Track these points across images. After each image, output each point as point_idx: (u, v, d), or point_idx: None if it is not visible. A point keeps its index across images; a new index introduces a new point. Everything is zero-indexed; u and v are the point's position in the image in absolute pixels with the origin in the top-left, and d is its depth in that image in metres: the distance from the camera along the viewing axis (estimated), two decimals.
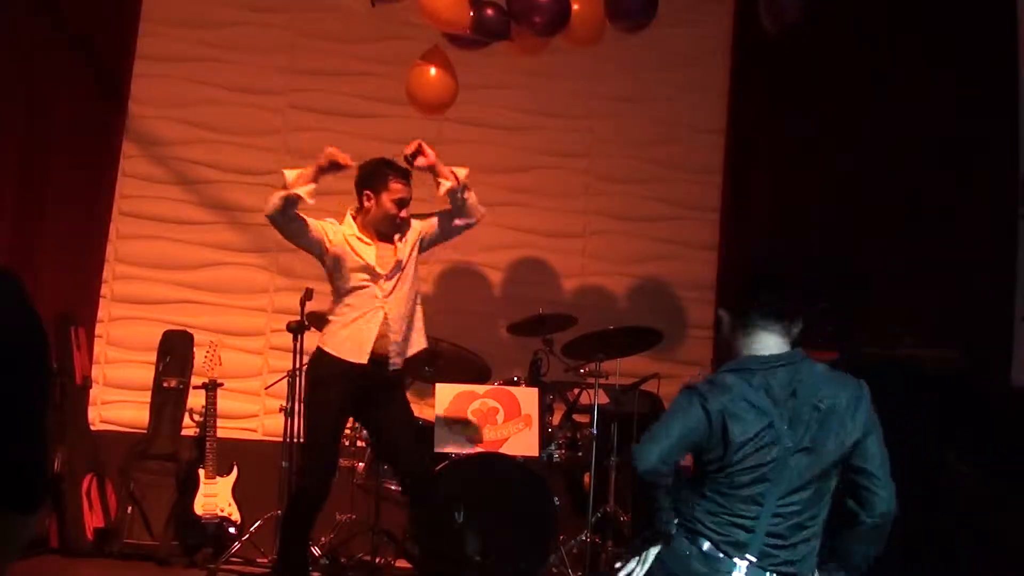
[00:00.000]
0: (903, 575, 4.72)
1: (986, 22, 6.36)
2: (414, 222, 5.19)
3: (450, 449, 5.74)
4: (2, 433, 2.98)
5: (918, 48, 6.69)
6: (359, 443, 5.91)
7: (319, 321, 5.60)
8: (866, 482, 3.00)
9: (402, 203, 5.09)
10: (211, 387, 6.17)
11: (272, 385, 6.40)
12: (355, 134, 6.72)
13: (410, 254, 5.16)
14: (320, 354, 5.13)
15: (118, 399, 6.76)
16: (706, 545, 2.97)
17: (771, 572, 2.96)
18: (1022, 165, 6.20)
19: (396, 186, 5.08)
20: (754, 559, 2.95)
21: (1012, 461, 5.23)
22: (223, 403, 6.30)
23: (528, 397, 5.95)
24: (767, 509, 2.94)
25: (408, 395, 5.41)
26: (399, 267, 5.11)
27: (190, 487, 6.09)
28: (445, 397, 5.90)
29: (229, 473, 6.14)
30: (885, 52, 6.90)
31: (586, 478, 5.99)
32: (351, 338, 5.06)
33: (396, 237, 5.14)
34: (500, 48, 5.84)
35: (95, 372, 6.66)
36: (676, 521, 3.04)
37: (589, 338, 6.05)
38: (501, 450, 5.81)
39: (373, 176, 5.11)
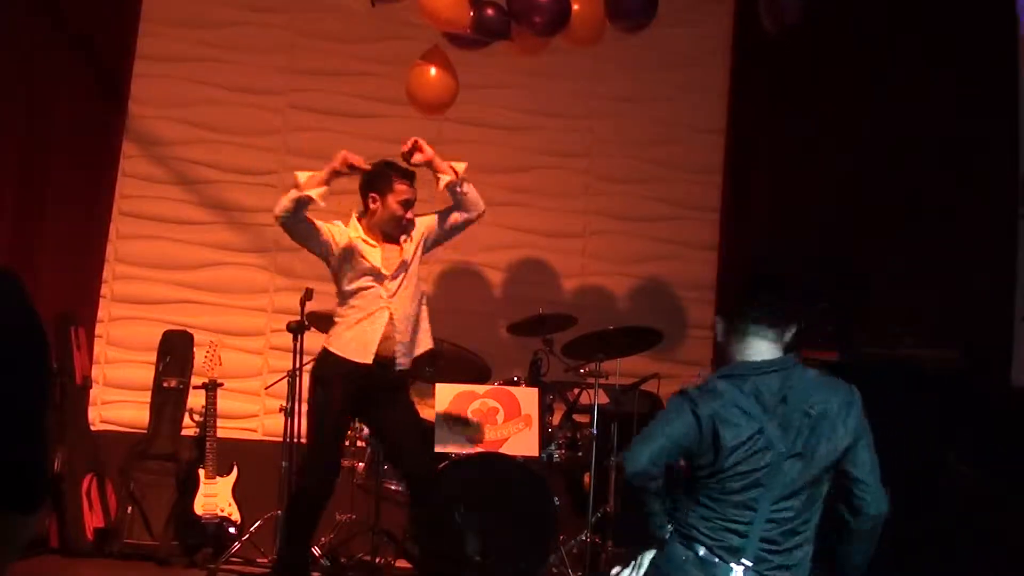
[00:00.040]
0: (903, 575, 4.73)
1: (986, 22, 6.36)
2: (418, 221, 5.22)
3: (450, 449, 5.74)
4: (2, 433, 2.98)
5: (918, 48, 6.69)
6: (359, 443, 5.91)
7: (319, 321, 5.60)
8: (855, 488, 3.01)
9: (407, 204, 5.12)
10: (211, 387, 6.17)
11: (272, 385, 6.40)
12: (355, 134, 6.72)
13: (415, 254, 5.18)
14: (325, 354, 5.15)
15: (118, 399, 6.76)
16: (702, 551, 2.98)
17: None
18: (1022, 165, 6.21)
19: (401, 188, 5.10)
20: (749, 564, 2.95)
21: (1012, 461, 5.24)
22: (223, 403, 6.30)
23: (528, 397, 5.95)
24: (761, 515, 2.95)
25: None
26: (404, 267, 5.13)
27: (190, 487, 6.09)
28: (445, 397, 5.91)
29: (229, 473, 6.14)
30: (885, 52, 6.90)
31: (586, 478, 5.98)
32: (356, 338, 5.08)
33: (402, 238, 5.16)
34: (500, 48, 5.84)
35: (95, 372, 6.66)
36: (670, 527, 3.04)
37: (589, 338, 6.05)
38: (501, 450, 5.81)
39: (378, 178, 5.13)
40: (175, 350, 6.53)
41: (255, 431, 6.82)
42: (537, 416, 5.92)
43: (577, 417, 6.20)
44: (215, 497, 6.06)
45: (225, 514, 6.05)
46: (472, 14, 5.55)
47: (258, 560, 5.87)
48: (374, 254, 5.10)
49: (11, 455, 3.00)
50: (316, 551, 5.71)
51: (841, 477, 3.02)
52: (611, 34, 5.94)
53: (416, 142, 5.15)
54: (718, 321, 3.17)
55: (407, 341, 5.15)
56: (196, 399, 6.36)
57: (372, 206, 5.14)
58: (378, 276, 5.08)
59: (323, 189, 5.00)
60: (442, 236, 5.31)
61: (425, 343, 5.27)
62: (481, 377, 6.18)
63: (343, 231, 5.12)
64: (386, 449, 5.55)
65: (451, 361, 6.06)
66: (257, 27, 7.03)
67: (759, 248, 6.88)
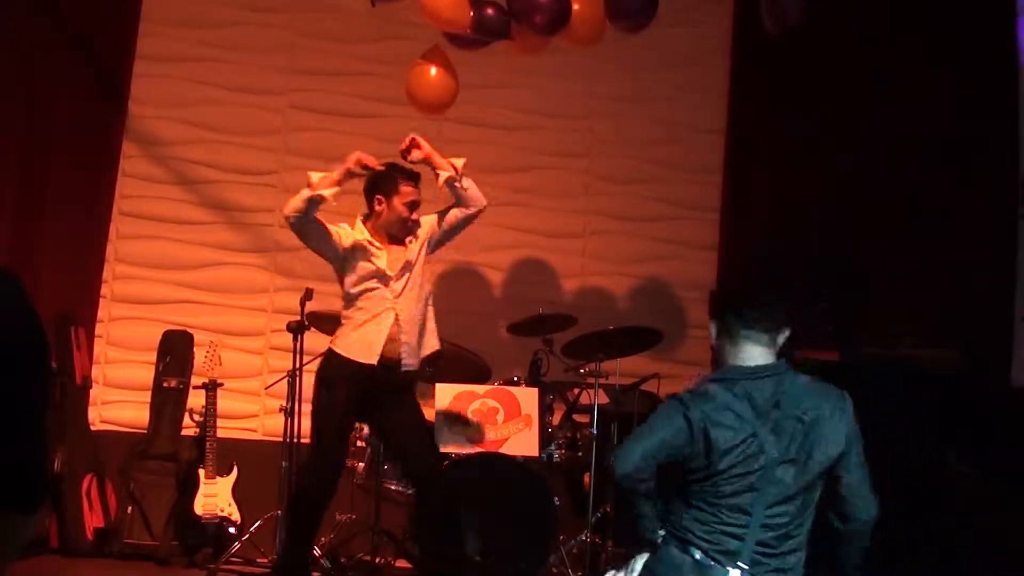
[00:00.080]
0: (903, 575, 4.73)
1: (986, 22, 6.36)
2: (422, 220, 5.22)
3: (450, 449, 5.74)
4: (2, 433, 2.98)
5: (918, 48, 6.68)
6: (359, 443, 5.90)
7: (319, 321, 5.60)
8: (847, 493, 3.03)
9: (413, 205, 5.13)
10: (211, 387, 6.17)
11: (272, 385, 6.40)
12: (355, 134, 6.72)
13: (419, 254, 5.19)
14: (331, 355, 5.15)
15: (118, 399, 6.75)
16: (698, 554, 2.98)
17: None
18: (1022, 165, 6.20)
19: (406, 189, 5.11)
20: (746, 567, 2.95)
21: (1012, 461, 5.24)
22: (223, 403, 6.30)
23: (528, 397, 5.95)
24: (755, 519, 2.95)
25: None
26: (408, 267, 5.13)
27: (190, 487, 6.09)
28: (445, 397, 5.91)
29: (229, 473, 6.14)
30: (885, 52, 6.90)
31: (586, 478, 5.99)
32: (361, 339, 5.08)
33: (407, 239, 5.16)
34: (500, 48, 5.84)
35: (95, 372, 6.66)
36: (663, 532, 3.05)
37: (589, 338, 6.05)
38: (501, 450, 5.82)
39: (383, 180, 5.13)
40: (175, 350, 6.53)
41: (255, 431, 6.82)
42: (537, 416, 5.92)
43: (577, 417, 6.20)
44: (215, 497, 6.06)
45: (225, 514, 6.05)
46: (472, 14, 5.55)
47: (258, 560, 5.87)
48: (380, 256, 5.10)
49: (11, 455, 3.00)
50: (316, 551, 5.71)
51: (832, 483, 3.03)
52: (611, 34, 5.94)
53: (413, 139, 5.15)
54: (711, 324, 3.18)
55: (413, 342, 5.15)
56: (196, 399, 6.36)
57: (377, 208, 5.14)
58: (383, 278, 5.08)
59: (335, 189, 5.00)
60: (445, 235, 5.30)
61: (431, 344, 5.27)
62: (481, 377, 6.18)
63: (349, 233, 5.12)
64: (392, 451, 5.55)
65: (451, 361, 6.05)
66: (257, 27, 7.03)
67: (759, 248, 6.88)
